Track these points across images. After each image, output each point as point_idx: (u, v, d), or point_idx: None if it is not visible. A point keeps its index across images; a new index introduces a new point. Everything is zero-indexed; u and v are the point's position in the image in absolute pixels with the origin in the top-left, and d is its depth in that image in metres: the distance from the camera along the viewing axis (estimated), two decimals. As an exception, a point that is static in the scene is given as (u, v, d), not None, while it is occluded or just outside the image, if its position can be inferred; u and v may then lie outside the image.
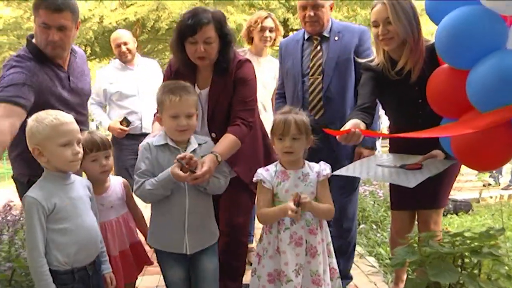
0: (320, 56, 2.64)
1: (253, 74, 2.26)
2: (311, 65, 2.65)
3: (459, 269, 1.76)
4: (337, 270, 2.06)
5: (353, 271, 2.92)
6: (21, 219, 2.82)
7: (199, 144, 2.08)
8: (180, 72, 2.22)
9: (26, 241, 1.65)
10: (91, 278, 1.77)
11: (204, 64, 2.16)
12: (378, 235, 3.75)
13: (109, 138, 3.16)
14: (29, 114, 1.84)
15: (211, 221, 2.13)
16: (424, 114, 2.22)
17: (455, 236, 1.86)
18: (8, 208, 2.96)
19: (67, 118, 1.70)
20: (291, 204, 1.85)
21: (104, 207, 2.04)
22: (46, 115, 1.67)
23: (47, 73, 2.13)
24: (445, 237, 1.90)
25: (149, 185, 1.95)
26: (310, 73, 2.64)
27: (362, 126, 2.10)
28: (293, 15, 9.98)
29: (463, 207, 5.16)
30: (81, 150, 1.74)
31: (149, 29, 10.11)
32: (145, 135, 3.23)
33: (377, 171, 2.12)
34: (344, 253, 2.70)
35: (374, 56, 2.36)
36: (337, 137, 2.08)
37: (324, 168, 2.05)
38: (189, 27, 2.06)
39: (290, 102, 2.73)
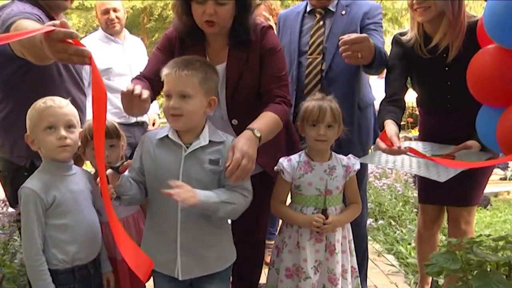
0: (322, 33, 2.24)
1: (279, 42, 1.90)
2: (310, 42, 2.25)
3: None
4: (356, 270, 1.97)
5: (371, 270, 2.74)
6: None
7: (212, 142, 1.60)
8: (184, 42, 1.81)
9: (22, 237, 1.51)
10: (93, 277, 1.63)
11: (213, 31, 1.72)
12: (397, 232, 3.56)
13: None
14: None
15: (221, 242, 1.67)
16: (453, 99, 2.06)
17: (499, 240, 1.66)
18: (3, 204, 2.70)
19: (55, 102, 1.54)
20: (315, 216, 1.80)
21: (113, 204, 1.85)
22: (40, 101, 1.55)
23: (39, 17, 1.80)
24: (485, 240, 1.71)
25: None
26: (309, 52, 2.25)
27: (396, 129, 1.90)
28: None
29: (481, 202, 4.95)
30: (72, 135, 1.56)
31: (156, 16, 9.92)
32: (139, 124, 3.07)
33: (404, 161, 1.95)
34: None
35: (407, 30, 2.14)
36: (378, 145, 1.87)
37: (354, 162, 1.92)
38: None
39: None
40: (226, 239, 1.71)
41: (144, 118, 3.14)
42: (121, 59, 3.01)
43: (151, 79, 1.75)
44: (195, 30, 1.75)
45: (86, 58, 1.18)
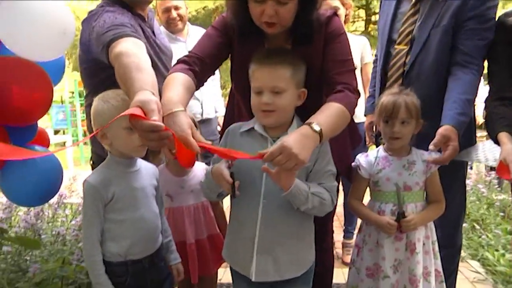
0: (414, 21, 1.94)
1: (343, 27, 1.67)
2: (401, 30, 1.96)
3: None
4: (441, 274, 1.82)
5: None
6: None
7: None
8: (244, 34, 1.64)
9: (82, 228, 1.54)
10: (148, 271, 1.60)
11: (273, 32, 1.54)
12: (483, 236, 3.30)
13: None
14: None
15: (300, 245, 1.54)
16: None
17: None
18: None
19: None
20: (388, 219, 1.70)
21: (184, 191, 1.88)
22: (114, 94, 1.51)
23: (137, 22, 1.83)
24: None
25: (205, 176, 1.55)
26: (398, 41, 1.96)
27: None
28: (377, -2, 9.41)
29: None
30: None
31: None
32: (205, 121, 3.02)
33: None
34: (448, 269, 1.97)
35: None
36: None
37: (435, 157, 1.76)
38: None
39: (379, 69, 2.11)
40: (308, 242, 1.58)
41: (210, 115, 3.15)
42: None
43: (204, 63, 1.60)
44: (253, 28, 1.58)
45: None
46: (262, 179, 1.48)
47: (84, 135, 9.72)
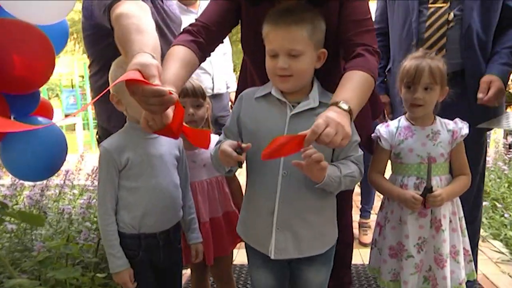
0: None
1: None
2: None
3: None
4: (470, 252, 1.71)
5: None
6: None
7: (322, 104, 1.35)
8: None
9: (97, 195, 1.48)
10: (162, 248, 1.52)
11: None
12: (506, 215, 3.17)
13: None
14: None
15: (321, 221, 1.43)
16: None
17: None
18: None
19: None
20: (413, 193, 1.58)
21: (196, 165, 1.77)
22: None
23: None
24: None
25: (214, 150, 1.43)
26: (431, 0, 1.89)
27: None
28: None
29: None
30: None
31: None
32: (216, 96, 2.96)
33: None
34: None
35: None
36: None
37: (461, 126, 1.66)
38: None
39: (397, 37, 2.04)
40: (329, 217, 1.46)
41: (221, 90, 3.05)
42: None
43: (210, 31, 1.50)
44: None
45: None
46: None
47: (95, 119, 9.70)
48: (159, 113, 1.14)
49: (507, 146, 4.62)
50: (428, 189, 1.56)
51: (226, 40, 3.07)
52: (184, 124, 1.25)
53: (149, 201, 1.46)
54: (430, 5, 1.90)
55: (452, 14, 1.86)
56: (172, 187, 1.53)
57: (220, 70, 3.06)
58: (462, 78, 1.92)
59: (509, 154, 4.29)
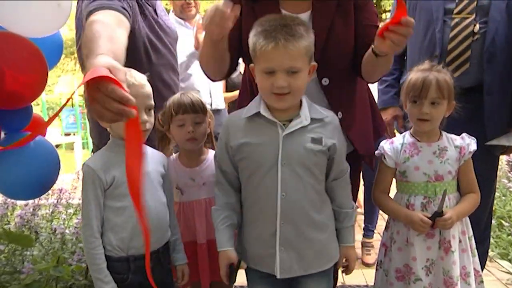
0: None
1: None
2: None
3: None
4: (480, 273, 1.65)
5: (485, 278, 2.33)
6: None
7: (313, 119, 1.36)
8: None
9: (82, 217, 1.40)
10: (152, 269, 1.41)
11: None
12: (512, 234, 3.09)
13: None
14: None
15: (324, 237, 1.41)
16: None
17: None
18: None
19: (136, 80, 1.38)
20: (422, 216, 1.52)
21: (195, 183, 1.71)
22: None
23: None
24: None
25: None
26: (456, 10, 1.85)
27: None
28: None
29: None
30: (151, 118, 1.41)
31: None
32: (216, 112, 2.81)
33: None
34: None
35: None
36: None
37: (469, 142, 1.60)
38: None
39: (417, 46, 1.97)
40: (331, 232, 1.44)
41: (219, 106, 2.99)
42: (192, 47, 2.79)
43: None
44: None
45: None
46: (277, 171, 1.33)
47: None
48: (109, 121, 1.03)
49: (511, 164, 4.55)
50: (439, 213, 1.50)
51: None
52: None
53: (137, 221, 1.37)
54: (454, 15, 1.85)
55: (477, 26, 1.82)
56: (159, 205, 1.46)
57: (218, 85, 3.01)
58: (479, 93, 1.87)
59: (513, 172, 4.22)
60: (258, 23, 1.31)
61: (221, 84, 3.14)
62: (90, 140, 9.61)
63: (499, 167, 4.41)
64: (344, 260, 1.47)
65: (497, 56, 1.82)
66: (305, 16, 1.51)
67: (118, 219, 1.37)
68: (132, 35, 1.55)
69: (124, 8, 1.51)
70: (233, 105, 3.66)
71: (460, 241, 1.58)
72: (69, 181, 3.63)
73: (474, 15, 1.82)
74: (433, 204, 1.55)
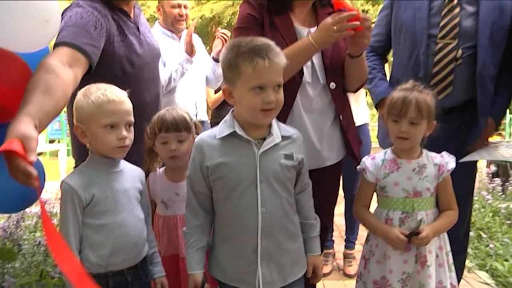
0: (457, 13, 1.91)
1: None
2: (442, 24, 1.92)
3: None
4: (457, 287, 1.70)
5: (463, 288, 2.41)
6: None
7: (284, 137, 1.44)
8: (272, 13, 1.70)
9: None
10: (131, 284, 1.46)
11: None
12: (490, 245, 3.16)
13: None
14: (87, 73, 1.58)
15: (297, 246, 1.50)
16: None
17: None
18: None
19: (117, 96, 1.41)
20: (398, 233, 1.57)
21: (179, 198, 1.73)
22: (96, 89, 1.40)
23: (115, 19, 1.78)
24: None
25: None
26: (440, 35, 1.92)
27: None
28: (373, 6, 9.40)
29: None
30: (131, 134, 1.44)
31: (225, 25, 9.99)
32: (201, 123, 2.90)
33: None
34: None
35: None
36: None
37: (447, 161, 1.65)
38: None
39: (402, 66, 2.04)
40: (300, 242, 1.53)
41: (204, 117, 3.02)
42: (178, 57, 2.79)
43: None
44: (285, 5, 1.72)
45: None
46: (256, 188, 1.39)
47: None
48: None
49: (491, 175, 4.66)
50: (415, 233, 1.55)
51: (209, 63, 3.03)
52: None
53: (116, 239, 1.40)
54: (438, 40, 1.91)
55: (460, 51, 1.89)
56: (137, 222, 1.48)
57: (203, 96, 3.04)
58: (459, 113, 1.95)
59: (492, 183, 4.32)
60: (232, 46, 1.38)
61: (205, 96, 3.16)
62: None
63: (479, 179, 4.54)
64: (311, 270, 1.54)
65: (479, 80, 1.90)
66: (312, 30, 1.70)
67: (97, 236, 1.38)
68: (106, 57, 1.67)
69: (87, 44, 1.59)
70: (217, 111, 3.70)
71: (437, 256, 1.62)
72: (53, 190, 3.60)
73: (457, 40, 1.89)
74: (411, 219, 1.60)
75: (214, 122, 3.64)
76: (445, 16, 1.92)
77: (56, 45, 1.57)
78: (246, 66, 1.31)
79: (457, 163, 1.67)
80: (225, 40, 2.90)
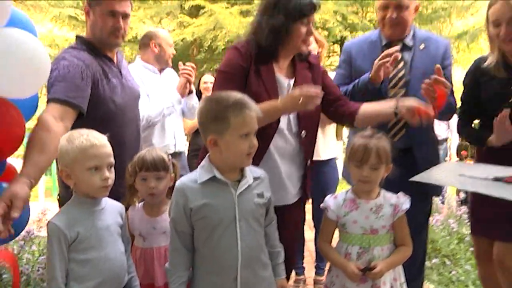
0: (402, 67, 2.21)
1: None
2: (391, 75, 2.17)
3: None
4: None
5: (426, 314, 2.56)
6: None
7: (255, 178, 1.64)
8: (260, 63, 1.89)
9: (46, 270, 1.53)
10: None
11: (306, 51, 1.97)
12: (453, 272, 3.33)
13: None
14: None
15: (268, 273, 1.67)
16: None
17: None
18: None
19: (98, 140, 1.55)
20: (354, 268, 1.71)
21: (156, 231, 1.87)
22: (78, 135, 1.54)
23: (100, 64, 2.02)
24: None
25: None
26: (391, 85, 2.19)
27: None
28: (351, 33, 9.68)
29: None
30: (112, 174, 1.57)
31: (206, 48, 10.13)
32: (178, 154, 3.06)
33: (464, 181, 1.82)
34: None
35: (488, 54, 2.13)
36: None
37: (403, 201, 1.82)
38: (307, 5, 1.82)
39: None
40: (271, 269, 1.70)
41: (182, 148, 3.16)
42: (160, 92, 2.94)
43: None
44: (276, 51, 1.91)
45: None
46: (236, 226, 1.55)
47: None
48: None
49: (460, 202, 4.81)
50: (369, 268, 1.70)
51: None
52: None
53: (100, 273, 1.51)
54: (390, 90, 2.20)
55: None
56: (119, 255, 1.60)
57: (181, 128, 3.18)
58: (410, 153, 2.17)
59: (459, 211, 4.48)
60: (216, 100, 1.58)
61: (182, 126, 3.30)
62: (53, 166, 9.45)
63: (447, 206, 4.71)
64: None
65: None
66: (291, 81, 1.96)
67: (82, 270, 1.49)
68: (92, 99, 1.92)
69: (76, 96, 1.85)
70: (193, 138, 3.85)
71: (391, 287, 1.76)
72: (33, 211, 3.64)
73: (405, 90, 2.17)
74: (367, 254, 1.75)
75: (192, 149, 3.80)
76: (394, 68, 2.15)
77: (49, 101, 1.84)
78: (236, 116, 1.51)
79: (413, 193, 1.84)
80: (190, 76, 2.90)
